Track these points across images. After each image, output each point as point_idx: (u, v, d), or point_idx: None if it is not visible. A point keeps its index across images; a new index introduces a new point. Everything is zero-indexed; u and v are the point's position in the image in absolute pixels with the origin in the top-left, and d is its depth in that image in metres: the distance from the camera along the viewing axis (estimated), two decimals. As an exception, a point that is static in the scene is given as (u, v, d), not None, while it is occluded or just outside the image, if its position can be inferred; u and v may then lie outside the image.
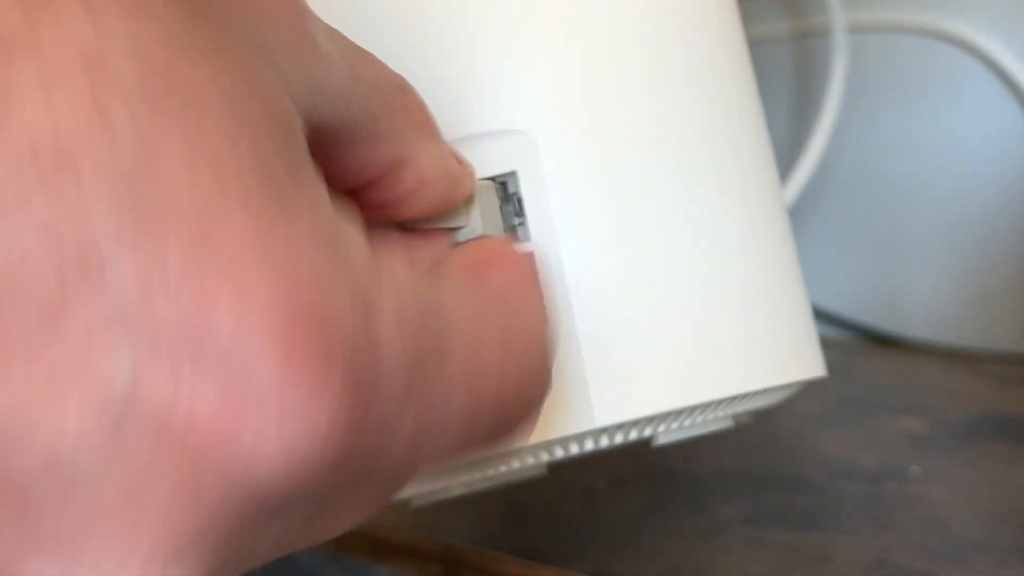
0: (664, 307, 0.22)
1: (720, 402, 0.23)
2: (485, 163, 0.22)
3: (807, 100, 0.71)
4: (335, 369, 0.13)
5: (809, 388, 0.54)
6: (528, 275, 0.18)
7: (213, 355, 0.12)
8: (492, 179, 0.22)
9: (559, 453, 0.23)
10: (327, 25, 0.16)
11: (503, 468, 0.24)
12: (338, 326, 0.13)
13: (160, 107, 0.12)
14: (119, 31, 0.13)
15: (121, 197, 0.12)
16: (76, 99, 0.12)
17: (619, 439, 0.23)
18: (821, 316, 0.71)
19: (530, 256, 0.20)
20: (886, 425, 0.46)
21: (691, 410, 0.23)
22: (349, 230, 0.15)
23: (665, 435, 0.24)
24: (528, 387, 0.17)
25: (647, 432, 0.23)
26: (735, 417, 0.26)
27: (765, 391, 0.24)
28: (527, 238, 0.22)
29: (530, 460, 0.23)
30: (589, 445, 0.23)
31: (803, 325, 0.26)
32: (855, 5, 0.69)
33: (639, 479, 0.39)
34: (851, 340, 0.69)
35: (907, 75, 0.68)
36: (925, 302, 0.68)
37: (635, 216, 0.22)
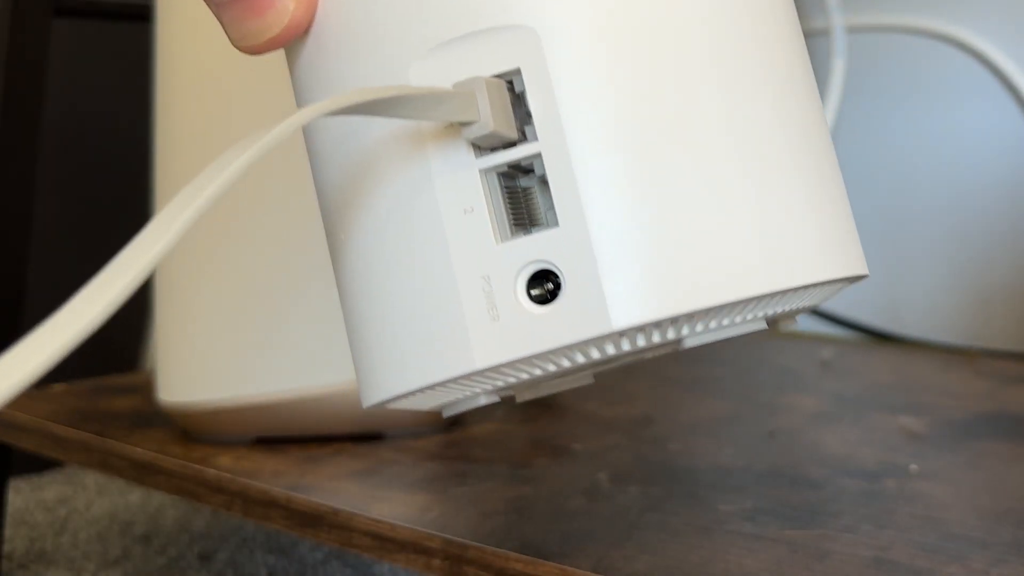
0: (682, 203, 0.21)
1: (748, 302, 0.21)
2: (490, 60, 0.21)
3: (807, 100, 0.71)
4: None
5: (809, 386, 0.55)
6: None
7: None
8: (499, 77, 0.21)
9: (580, 359, 0.22)
10: None
11: (538, 373, 0.22)
12: None
13: None
14: None
15: None
16: None
17: (642, 342, 0.21)
18: (821, 315, 0.71)
19: None
20: (885, 423, 0.46)
21: (717, 311, 0.21)
22: None
23: (692, 337, 0.22)
24: None
25: (671, 335, 0.22)
26: (771, 319, 0.24)
27: (800, 289, 0.22)
28: (535, 138, 0.21)
29: (551, 367, 0.22)
30: (611, 349, 0.21)
31: (842, 222, 0.23)
32: (855, 6, 0.69)
33: (640, 476, 0.39)
34: (851, 339, 0.70)
35: (906, 76, 0.68)
36: (924, 302, 0.68)
37: (649, 111, 0.21)
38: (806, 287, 0.22)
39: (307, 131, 0.25)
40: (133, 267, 0.16)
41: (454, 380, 0.22)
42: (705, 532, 0.33)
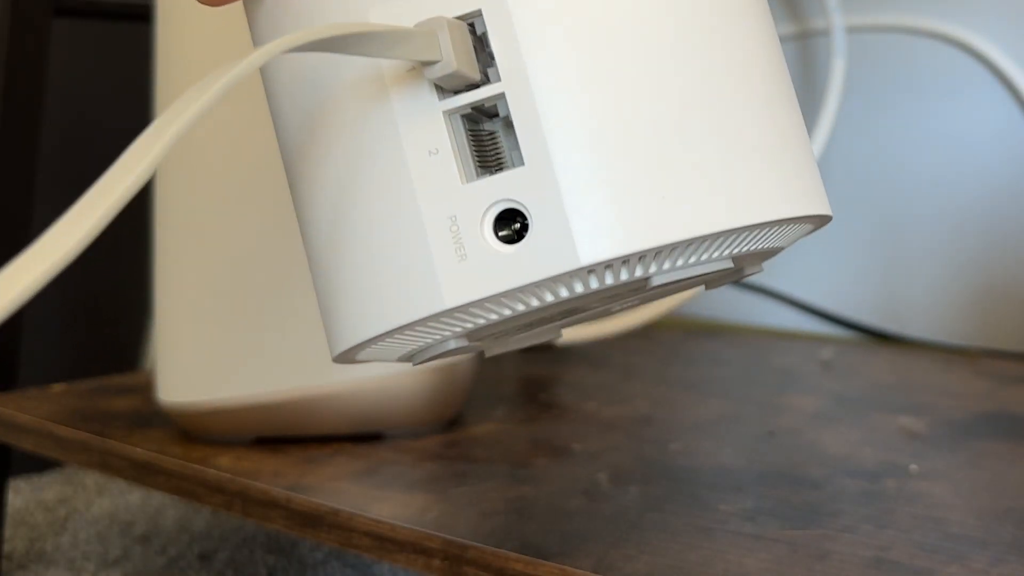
0: (647, 139, 0.21)
1: (712, 237, 0.21)
2: (450, 3, 0.21)
3: (807, 100, 0.71)
4: None
5: (809, 386, 0.55)
6: None
7: None
8: (460, 19, 0.21)
9: (549, 298, 0.22)
10: None
11: (506, 314, 0.22)
12: None
13: None
14: None
15: None
16: None
17: (609, 279, 0.21)
18: (821, 315, 0.71)
19: None
20: (885, 423, 0.46)
21: (683, 246, 0.21)
22: None
23: (660, 275, 0.22)
24: None
25: (639, 272, 0.22)
26: (738, 260, 0.24)
27: (762, 226, 0.22)
28: (498, 78, 0.21)
29: (520, 307, 0.22)
30: (579, 287, 0.21)
31: (804, 164, 0.23)
32: (855, 6, 0.69)
33: (640, 476, 0.39)
34: (851, 339, 0.70)
35: (906, 76, 0.68)
36: (924, 302, 0.68)
37: (611, 49, 0.21)
38: (768, 223, 0.22)
39: (267, 80, 0.24)
40: (101, 205, 0.16)
41: (423, 321, 0.22)
42: (705, 532, 0.33)
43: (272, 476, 0.40)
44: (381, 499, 0.37)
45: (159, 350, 0.48)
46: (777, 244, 0.24)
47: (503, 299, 0.22)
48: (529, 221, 0.21)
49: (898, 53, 0.68)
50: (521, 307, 0.22)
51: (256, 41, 0.24)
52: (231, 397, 0.45)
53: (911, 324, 0.68)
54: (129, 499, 0.70)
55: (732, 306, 0.76)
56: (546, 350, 0.63)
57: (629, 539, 0.33)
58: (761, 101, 0.23)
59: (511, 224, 0.21)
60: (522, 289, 0.21)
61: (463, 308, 0.22)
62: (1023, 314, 0.64)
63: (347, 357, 0.25)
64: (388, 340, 0.23)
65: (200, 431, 0.46)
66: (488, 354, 0.28)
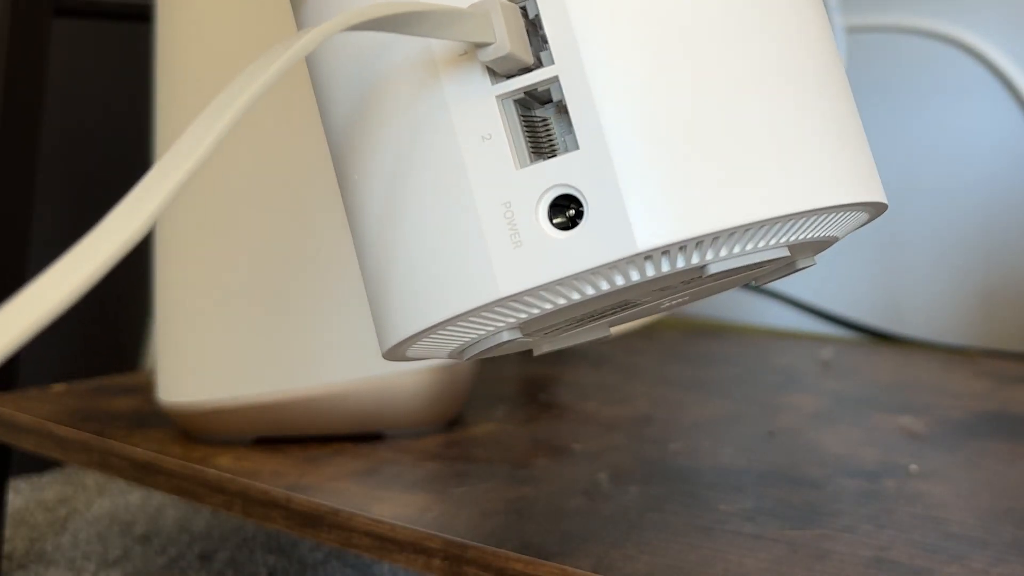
0: (704, 123, 0.20)
1: (770, 222, 0.21)
2: None
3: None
4: None
5: (809, 386, 0.54)
6: None
7: None
8: (513, 1, 0.21)
9: (604, 286, 0.21)
10: None
11: (559, 313, 0.22)
12: None
13: None
14: None
15: None
16: None
17: (666, 267, 0.21)
18: (821, 315, 0.71)
19: None
20: (885, 423, 0.46)
21: (740, 232, 0.21)
22: None
23: (716, 263, 0.22)
24: None
25: (695, 259, 0.21)
26: (793, 249, 0.24)
27: (820, 211, 0.22)
28: (551, 62, 0.20)
29: (575, 296, 0.21)
30: (635, 275, 0.21)
31: (860, 152, 0.23)
32: (855, 6, 0.69)
33: (640, 476, 0.39)
34: (851, 339, 0.70)
35: (906, 76, 0.68)
36: (924, 302, 0.68)
37: (667, 31, 0.21)
38: (826, 209, 0.22)
39: (314, 65, 0.24)
40: (148, 202, 0.16)
41: (477, 311, 0.22)
42: (705, 532, 0.33)
43: (272, 476, 0.41)
44: (381, 499, 0.37)
45: (159, 350, 0.48)
46: (832, 233, 0.24)
47: (558, 287, 0.21)
48: (584, 206, 0.20)
49: (898, 53, 0.68)
50: (576, 296, 0.22)
51: (303, 25, 0.24)
52: (231, 397, 0.45)
53: (911, 324, 0.68)
54: (129, 499, 0.70)
55: (732, 306, 0.76)
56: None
57: (629, 539, 0.33)
58: (818, 87, 0.22)
59: (566, 211, 0.21)
60: (578, 276, 0.21)
61: (518, 296, 0.21)
62: (1023, 314, 0.64)
63: (397, 353, 0.24)
64: (440, 333, 0.23)
65: (200, 431, 0.46)
66: (537, 352, 0.27)
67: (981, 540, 0.32)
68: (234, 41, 0.45)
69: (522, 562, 0.31)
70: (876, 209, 0.24)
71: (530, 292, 0.21)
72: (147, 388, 0.53)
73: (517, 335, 0.23)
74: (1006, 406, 0.50)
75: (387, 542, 0.35)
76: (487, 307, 0.22)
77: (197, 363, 0.46)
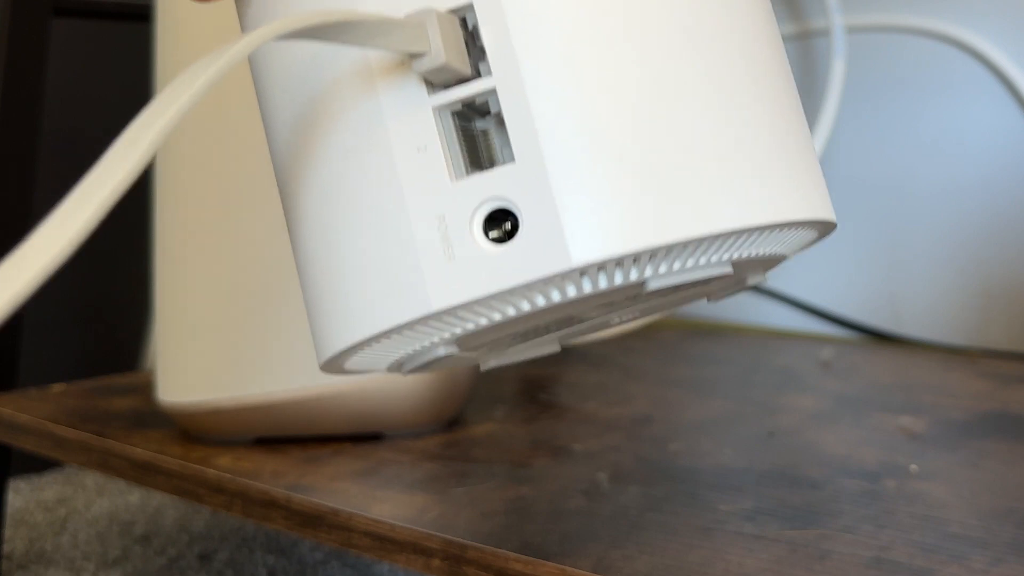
0: (641, 136, 0.20)
1: (709, 239, 0.21)
2: None
3: (807, 100, 0.71)
4: None
5: (809, 386, 0.54)
6: None
7: None
8: (452, 12, 0.20)
9: (540, 301, 0.21)
10: None
11: (497, 323, 0.22)
12: None
13: None
14: None
15: None
16: None
17: (603, 283, 0.21)
18: (821, 316, 0.71)
19: None
20: (885, 423, 0.46)
21: (679, 248, 0.20)
22: None
23: (656, 279, 0.21)
24: None
25: (633, 275, 0.21)
26: (739, 266, 0.23)
27: (760, 229, 0.21)
28: (489, 73, 0.20)
29: (511, 311, 0.21)
30: (571, 290, 0.21)
31: (807, 169, 0.22)
32: (855, 6, 0.69)
33: (640, 476, 0.39)
34: (851, 339, 0.70)
35: (906, 76, 0.68)
36: (924, 302, 0.68)
37: (607, 45, 0.20)
38: (767, 227, 0.21)
39: (256, 74, 0.24)
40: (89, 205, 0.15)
41: (410, 325, 0.21)
42: (705, 532, 0.33)
43: (272, 476, 0.41)
44: (381, 499, 0.37)
45: (159, 350, 0.48)
46: (779, 251, 0.24)
47: (493, 302, 0.21)
48: (519, 220, 0.20)
49: (898, 53, 0.68)
50: (511, 311, 0.21)
51: (245, 30, 0.24)
52: (231, 397, 0.45)
53: (911, 324, 0.68)
54: (129, 499, 0.70)
55: (732, 306, 0.76)
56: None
57: (629, 539, 0.33)
58: (763, 103, 0.22)
59: (502, 224, 0.20)
60: (512, 291, 0.20)
61: (451, 311, 0.21)
62: (1023, 314, 0.64)
63: (334, 365, 0.24)
64: (375, 346, 0.23)
65: (200, 431, 0.46)
66: (484, 367, 0.27)
67: (981, 540, 0.32)
68: (233, 40, 0.45)
69: (522, 562, 0.31)
70: (823, 227, 0.24)
71: (463, 307, 0.21)
72: (147, 388, 0.53)
73: (454, 350, 0.23)
74: (1006, 406, 0.50)
75: (387, 542, 0.35)
76: (420, 321, 0.21)
77: (197, 363, 0.46)
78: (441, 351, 0.23)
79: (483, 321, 0.22)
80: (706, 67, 0.21)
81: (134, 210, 0.65)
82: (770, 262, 0.24)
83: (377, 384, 0.45)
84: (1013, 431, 0.45)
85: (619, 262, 0.20)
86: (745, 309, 0.75)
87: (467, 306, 0.21)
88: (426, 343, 0.23)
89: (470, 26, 0.21)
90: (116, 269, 0.78)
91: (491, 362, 0.26)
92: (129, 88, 0.74)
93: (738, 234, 0.21)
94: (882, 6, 0.69)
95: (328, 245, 0.22)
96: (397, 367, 0.25)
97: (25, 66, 0.56)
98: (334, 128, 0.22)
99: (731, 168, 0.21)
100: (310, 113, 0.22)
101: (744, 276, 0.25)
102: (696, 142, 0.20)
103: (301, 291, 0.24)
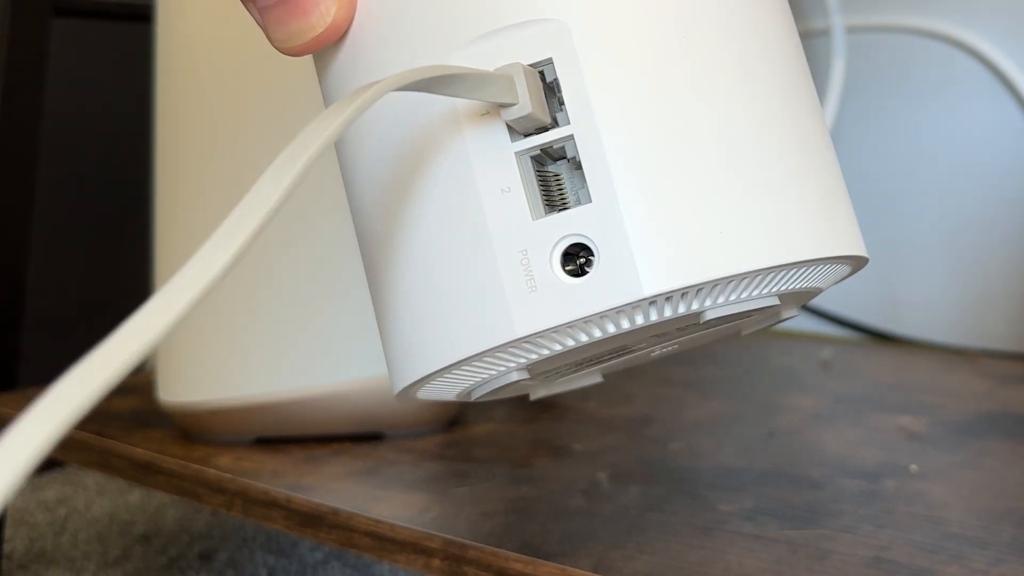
0: (705, 180, 0.22)
1: (763, 272, 0.23)
2: (523, 51, 0.23)
3: (807, 100, 0.71)
4: None
5: (809, 386, 0.54)
6: None
7: None
8: (533, 66, 0.23)
9: (611, 329, 0.23)
10: None
11: (556, 360, 0.24)
12: None
13: None
14: None
15: None
16: None
17: (668, 312, 0.23)
18: (821, 315, 0.71)
19: None
20: (885, 423, 0.46)
21: (739, 279, 0.23)
22: None
23: (713, 309, 0.24)
24: None
25: (695, 305, 0.23)
26: (782, 299, 0.26)
27: (809, 263, 0.24)
28: (567, 121, 0.22)
29: (583, 338, 0.23)
30: (639, 319, 0.23)
31: (844, 209, 0.25)
32: (855, 6, 0.69)
33: (640, 476, 0.39)
34: (851, 339, 0.70)
35: (906, 76, 0.68)
36: (924, 302, 0.68)
37: (671, 97, 0.23)
38: (815, 261, 0.24)
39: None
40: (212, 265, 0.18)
41: (493, 351, 0.23)
42: (705, 532, 0.33)
43: (272, 476, 0.41)
44: (381, 499, 0.37)
45: (160, 350, 0.48)
46: (818, 284, 0.26)
47: (569, 329, 0.23)
48: (596, 255, 0.22)
49: (898, 53, 0.68)
50: (584, 338, 0.23)
51: (330, 90, 0.26)
52: (232, 397, 0.45)
53: (911, 324, 0.68)
54: (129, 499, 0.70)
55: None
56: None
57: (629, 539, 0.33)
58: (810, 148, 0.24)
59: (576, 259, 0.23)
60: (588, 319, 0.22)
61: (531, 338, 0.23)
62: (1023, 314, 0.64)
63: (410, 393, 0.26)
64: (455, 372, 0.24)
65: (200, 431, 0.46)
66: (533, 396, 0.28)
67: (981, 540, 0.32)
68: (234, 41, 0.45)
69: (522, 562, 0.31)
70: (858, 263, 0.26)
71: (543, 334, 0.23)
72: (147, 388, 0.53)
73: (525, 376, 0.25)
74: (1006, 406, 0.50)
75: (387, 542, 0.35)
76: (502, 347, 0.23)
77: (197, 363, 0.46)
78: (514, 376, 0.25)
79: (557, 347, 0.24)
80: (761, 118, 0.23)
81: (135, 210, 0.65)
82: (806, 296, 0.27)
83: (377, 384, 0.45)
84: (1013, 431, 0.45)
85: (683, 293, 0.23)
86: (745, 309, 0.75)
87: (546, 333, 0.23)
88: (502, 368, 0.25)
89: (548, 79, 0.23)
90: (117, 269, 0.78)
91: (540, 392, 0.28)
92: (129, 88, 0.74)
93: (788, 268, 0.23)
94: (882, 6, 0.69)
95: (413, 278, 0.24)
96: (466, 395, 0.27)
97: (26, 66, 0.56)
98: (422, 170, 0.24)
99: (785, 208, 0.23)
100: (399, 160, 0.24)
101: (780, 310, 0.27)
102: (754, 185, 0.23)
103: (377, 323, 0.26)
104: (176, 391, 0.46)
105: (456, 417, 0.48)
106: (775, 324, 0.27)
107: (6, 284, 0.57)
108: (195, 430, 0.46)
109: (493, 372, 0.25)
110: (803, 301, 0.27)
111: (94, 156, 0.80)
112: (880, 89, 0.69)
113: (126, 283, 0.76)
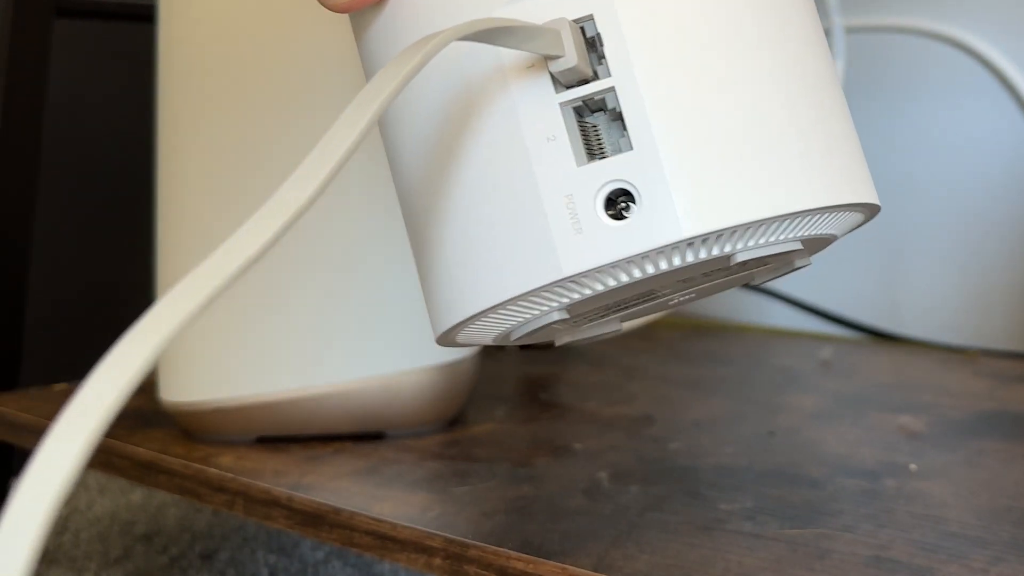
0: (738, 130, 0.24)
1: (791, 216, 0.24)
2: (565, 7, 0.24)
3: (807, 100, 0.71)
4: None
5: (809, 386, 0.55)
6: None
7: None
8: (576, 21, 0.24)
9: (650, 269, 0.24)
10: None
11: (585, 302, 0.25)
12: None
13: None
14: None
15: None
16: None
17: (703, 254, 0.24)
18: (821, 315, 0.71)
19: None
20: (885, 422, 0.46)
21: (768, 223, 0.24)
22: None
23: (743, 252, 0.25)
24: None
25: (728, 248, 0.24)
26: (804, 243, 0.27)
27: (831, 209, 0.25)
28: (608, 74, 0.24)
29: (624, 278, 0.24)
30: (677, 260, 0.24)
31: (860, 159, 0.27)
32: (855, 6, 0.70)
33: (640, 475, 0.39)
34: (851, 339, 0.70)
35: (906, 76, 0.68)
36: (924, 301, 0.68)
37: (706, 51, 0.24)
38: (838, 207, 0.25)
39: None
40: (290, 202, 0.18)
41: (539, 291, 0.24)
42: (705, 531, 0.33)
43: (274, 475, 0.41)
44: (382, 498, 0.38)
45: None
46: (834, 231, 0.27)
47: (612, 268, 0.24)
48: (637, 199, 0.23)
49: (898, 53, 0.68)
50: (624, 278, 0.24)
51: (371, 52, 0.27)
52: (233, 397, 0.45)
53: (911, 324, 0.68)
54: (131, 498, 0.70)
55: (732, 306, 0.76)
56: (546, 349, 0.63)
57: (629, 538, 0.33)
58: (828, 97, 0.26)
59: (615, 204, 0.24)
60: (631, 259, 0.24)
61: (575, 277, 0.24)
62: (1023, 314, 0.65)
63: (451, 336, 0.27)
64: (498, 314, 0.26)
65: (202, 430, 0.46)
66: (558, 342, 0.30)
67: (981, 539, 0.32)
68: (235, 41, 0.45)
69: (523, 561, 0.32)
70: (871, 210, 0.28)
71: (587, 273, 0.24)
72: (148, 388, 0.53)
73: (565, 316, 0.26)
74: (1006, 406, 0.50)
75: (388, 541, 0.35)
76: (549, 286, 0.24)
77: (199, 363, 0.46)
78: (555, 316, 0.26)
79: (599, 287, 0.25)
80: (786, 68, 0.25)
81: (137, 210, 0.65)
82: (821, 243, 0.28)
83: (379, 383, 0.45)
84: (1012, 430, 0.45)
85: (718, 235, 0.24)
86: (745, 309, 0.75)
87: (590, 272, 0.24)
88: (544, 308, 0.26)
89: (589, 35, 0.24)
90: (118, 269, 0.78)
91: (565, 338, 0.29)
92: (130, 89, 0.74)
93: (813, 213, 0.25)
94: (882, 6, 0.69)
95: (461, 225, 0.25)
96: (504, 337, 0.28)
97: (27, 67, 0.56)
98: (469, 121, 0.25)
99: (809, 155, 0.25)
100: (446, 107, 0.25)
101: (795, 256, 0.28)
102: (780, 133, 0.24)
103: (418, 267, 0.27)
104: (177, 391, 0.46)
105: (457, 416, 0.48)
106: (787, 273, 0.29)
107: (7, 284, 0.57)
108: (196, 430, 0.46)
109: (536, 311, 0.26)
110: (818, 249, 0.29)
111: (96, 156, 0.80)
112: (880, 90, 0.69)
113: (127, 283, 0.76)
